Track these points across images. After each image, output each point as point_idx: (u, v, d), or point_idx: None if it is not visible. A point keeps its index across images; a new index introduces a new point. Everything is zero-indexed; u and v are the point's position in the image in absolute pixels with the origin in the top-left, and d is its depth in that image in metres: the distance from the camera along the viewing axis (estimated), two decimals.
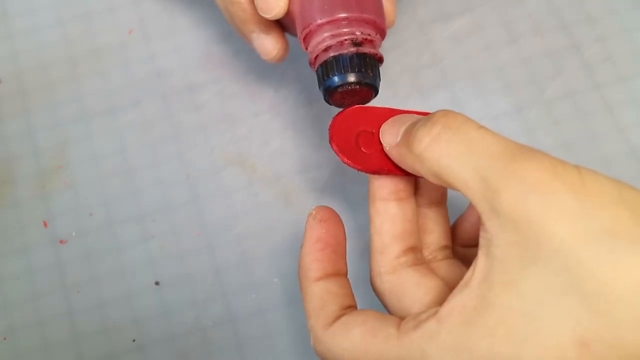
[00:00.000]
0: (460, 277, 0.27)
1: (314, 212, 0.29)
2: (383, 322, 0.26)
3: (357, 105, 0.30)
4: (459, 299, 0.24)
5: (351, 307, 0.28)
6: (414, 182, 0.30)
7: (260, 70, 0.42)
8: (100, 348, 0.36)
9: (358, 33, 0.30)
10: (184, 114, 0.41)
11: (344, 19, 0.30)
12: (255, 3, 0.33)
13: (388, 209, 0.29)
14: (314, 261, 0.28)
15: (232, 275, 0.37)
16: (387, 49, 0.42)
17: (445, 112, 0.26)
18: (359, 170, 0.28)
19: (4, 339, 0.36)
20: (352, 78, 0.30)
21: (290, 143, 0.40)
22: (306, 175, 0.39)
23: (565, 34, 0.42)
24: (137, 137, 0.41)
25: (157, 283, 0.37)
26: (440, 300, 0.27)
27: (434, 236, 0.30)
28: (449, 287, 0.27)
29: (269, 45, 0.35)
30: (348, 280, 0.29)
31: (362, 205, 0.39)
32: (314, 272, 0.28)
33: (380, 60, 0.31)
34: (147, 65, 0.42)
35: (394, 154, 0.28)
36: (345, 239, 0.29)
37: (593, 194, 0.22)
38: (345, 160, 0.28)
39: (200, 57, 0.42)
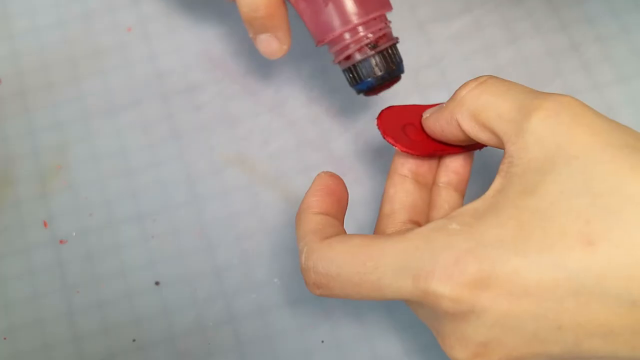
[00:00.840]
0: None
1: (323, 172, 0.30)
2: (375, 236, 0.27)
3: (395, 105, 0.32)
4: (471, 205, 0.25)
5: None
6: (435, 171, 0.31)
7: (260, 70, 0.42)
8: (100, 348, 0.36)
9: (371, 35, 0.32)
10: (184, 114, 0.41)
11: (354, 26, 0.32)
12: (259, 48, 0.34)
13: (405, 183, 0.30)
14: (318, 200, 0.29)
15: (232, 275, 0.37)
16: None
17: (490, 75, 0.28)
18: (416, 155, 0.30)
19: (4, 338, 0.36)
20: (378, 79, 0.33)
21: (290, 143, 0.40)
22: (306, 175, 0.39)
23: (565, 34, 0.42)
24: (137, 137, 0.41)
25: (157, 283, 0.37)
26: None
27: (441, 213, 0.31)
28: None
29: (275, 45, 0.35)
30: (342, 225, 0.29)
31: (362, 205, 0.39)
32: (316, 207, 0.28)
33: (396, 42, 0.33)
34: (147, 65, 0.42)
35: (432, 116, 0.30)
36: (347, 206, 0.30)
37: (618, 124, 0.24)
38: (403, 149, 0.30)
39: (200, 57, 0.42)
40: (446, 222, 0.25)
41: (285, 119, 0.41)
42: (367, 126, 0.40)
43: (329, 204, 0.29)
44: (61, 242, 0.38)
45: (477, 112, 0.27)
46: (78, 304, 0.37)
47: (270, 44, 0.35)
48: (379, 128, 0.30)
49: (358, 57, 0.32)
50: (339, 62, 0.33)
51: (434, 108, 0.31)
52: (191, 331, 0.36)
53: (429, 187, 0.31)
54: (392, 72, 0.33)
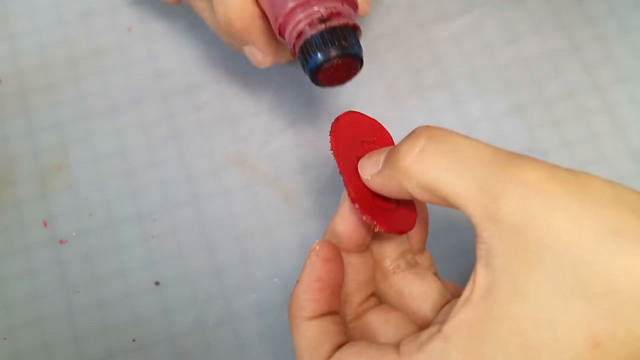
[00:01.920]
0: (427, 289, 0.28)
1: (317, 248, 0.27)
2: (379, 350, 0.25)
3: (340, 124, 0.30)
4: (463, 315, 0.23)
5: (344, 344, 0.27)
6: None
7: (260, 70, 0.42)
8: (100, 348, 0.36)
9: (322, 10, 0.30)
10: (184, 114, 0.41)
11: (304, 2, 0.31)
12: (249, 58, 0.34)
13: (352, 261, 0.29)
14: (311, 300, 0.27)
15: (232, 275, 0.37)
16: (387, 48, 0.42)
17: (427, 127, 0.25)
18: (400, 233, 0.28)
19: (4, 338, 0.36)
20: (329, 54, 0.30)
21: (290, 143, 0.40)
22: (306, 175, 0.39)
23: (565, 34, 0.42)
24: (137, 137, 0.41)
25: (157, 283, 0.37)
26: (412, 331, 0.27)
27: (393, 242, 0.30)
28: (421, 307, 0.28)
29: (259, 57, 0.35)
30: (339, 317, 0.28)
31: None
32: (309, 311, 0.27)
33: (354, 28, 0.31)
34: (147, 65, 0.42)
35: (377, 181, 0.27)
36: (343, 278, 0.28)
37: (592, 194, 0.22)
38: (391, 230, 0.28)
39: (200, 57, 0.42)
40: (444, 347, 0.23)
41: (285, 119, 0.41)
42: None
43: (322, 300, 0.27)
44: (61, 242, 0.38)
45: (431, 188, 0.24)
46: (78, 304, 0.37)
47: (255, 56, 0.35)
48: (352, 201, 0.28)
49: (308, 31, 0.30)
50: (294, 48, 0.31)
51: (371, 166, 0.28)
52: (191, 331, 0.36)
53: (368, 248, 0.30)
54: (344, 49, 0.30)
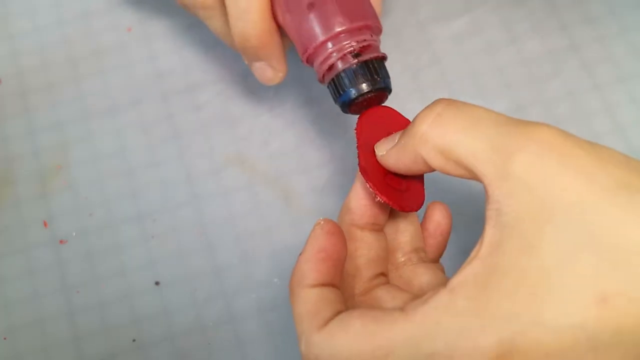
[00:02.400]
0: (437, 281, 0.28)
1: (322, 222, 0.28)
2: (383, 310, 0.25)
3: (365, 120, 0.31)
4: (470, 270, 0.23)
5: (343, 311, 0.27)
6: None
7: None
8: (100, 348, 0.36)
9: (354, 43, 0.31)
10: (184, 114, 0.41)
11: (337, 34, 0.31)
12: (255, 74, 0.34)
13: (364, 236, 0.29)
14: (313, 269, 0.27)
15: (232, 275, 0.37)
16: (387, 48, 0.42)
17: (444, 99, 0.26)
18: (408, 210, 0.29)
19: (4, 338, 0.36)
20: (361, 89, 0.31)
21: (290, 143, 0.40)
22: (306, 175, 0.39)
23: (565, 34, 0.42)
24: (137, 137, 0.41)
25: (157, 283, 0.37)
26: None
27: (407, 235, 0.30)
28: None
29: (269, 74, 0.35)
30: (340, 291, 0.28)
31: None
32: (310, 279, 0.27)
33: (383, 59, 0.32)
34: (147, 65, 0.42)
35: (392, 155, 0.28)
36: (346, 258, 0.28)
37: (605, 155, 0.23)
38: (404, 207, 0.28)
39: (200, 57, 0.42)
40: (450, 297, 0.23)
41: (285, 119, 0.41)
42: None
43: (324, 271, 0.27)
44: (61, 242, 0.38)
45: (446, 151, 0.25)
46: (78, 304, 0.37)
47: (265, 72, 0.34)
48: (369, 184, 0.28)
49: (340, 66, 0.31)
50: (323, 77, 0.32)
51: (387, 142, 0.28)
52: (191, 331, 0.36)
53: (382, 230, 0.30)
54: (376, 83, 0.31)
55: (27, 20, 0.44)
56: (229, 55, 0.42)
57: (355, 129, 0.30)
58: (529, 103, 0.40)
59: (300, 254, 0.27)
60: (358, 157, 0.29)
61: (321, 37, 0.31)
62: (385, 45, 0.42)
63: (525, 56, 0.42)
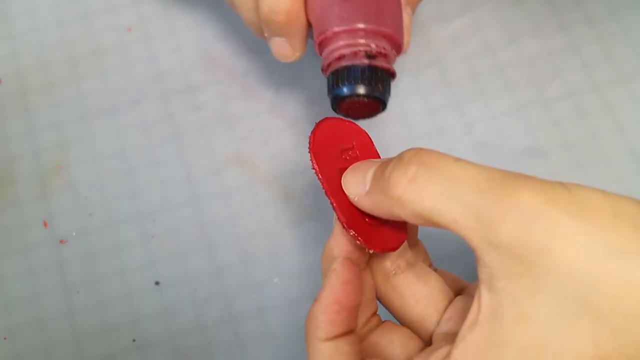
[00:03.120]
0: (429, 290, 0.28)
1: (338, 268, 0.27)
2: None
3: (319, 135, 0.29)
4: (470, 340, 0.23)
5: None
6: None
7: (260, 70, 0.42)
8: (100, 348, 0.36)
9: (373, 45, 0.30)
10: (184, 114, 0.41)
11: (361, 29, 0.30)
12: (272, 49, 0.33)
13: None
14: (328, 322, 0.26)
15: (232, 275, 0.37)
16: None
17: (417, 151, 0.25)
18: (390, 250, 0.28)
19: (4, 338, 0.36)
20: (361, 90, 0.30)
21: (290, 143, 0.40)
22: (306, 175, 0.39)
23: (565, 34, 0.42)
24: (137, 137, 0.41)
25: (157, 283, 0.37)
26: (416, 347, 0.27)
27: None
28: (425, 309, 0.28)
29: (287, 51, 0.34)
30: (356, 335, 0.28)
31: None
32: (325, 333, 0.26)
33: (392, 75, 0.31)
34: (147, 65, 0.42)
35: (366, 203, 0.27)
36: (362, 298, 0.28)
37: (589, 213, 0.22)
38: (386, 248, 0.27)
39: (200, 57, 0.42)
40: None
41: (285, 119, 0.41)
42: (366, 126, 0.40)
43: (339, 323, 0.26)
44: (61, 242, 0.38)
45: (425, 216, 0.24)
46: (78, 304, 0.37)
47: (283, 49, 0.33)
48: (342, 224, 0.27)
49: (350, 59, 0.30)
50: (328, 66, 0.31)
51: (356, 185, 0.27)
52: (191, 331, 0.36)
53: (366, 266, 0.29)
54: (376, 91, 0.30)
55: (27, 20, 0.44)
56: (229, 55, 0.42)
57: (313, 169, 0.28)
58: (529, 103, 0.40)
59: (315, 300, 0.27)
60: (332, 206, 0.27)
61: (344, 26, 0.30)
62: None
63: (525, 56, 0.41)
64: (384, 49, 0.30)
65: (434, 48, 0.42)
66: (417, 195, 0.24)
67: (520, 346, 0.22)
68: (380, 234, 0.27)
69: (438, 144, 0.40)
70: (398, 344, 0.28)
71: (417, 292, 0.29)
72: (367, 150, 0.30)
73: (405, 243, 0.30)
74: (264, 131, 0.41)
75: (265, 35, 0.34)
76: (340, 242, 0.28)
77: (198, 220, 0.39)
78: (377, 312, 0.30)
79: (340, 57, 0.30)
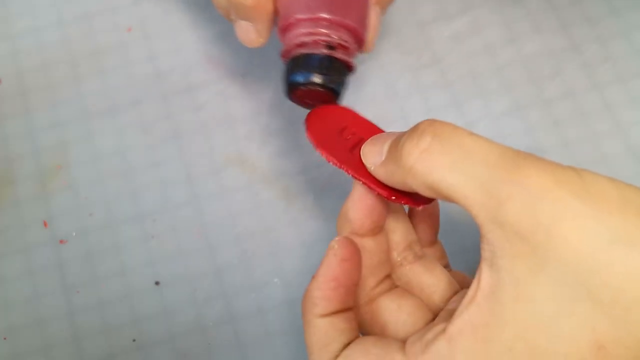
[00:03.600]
0: (435, 280, 0.28)
1: (336, 246, 0.27)
2: (386, 348, 0.25)
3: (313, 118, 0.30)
4: (467, 317, 0.23)
5: (353, 340, 0.27)
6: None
7: (260, 70, 0.42)
8: (100, 348, 0.36)
9: (334, 37, 0.30)
10: (184, 114, 0.41)
11: (324, 19, 0.30)
12: (237, 32, 0.33)
13: (366, 244, 0.28)
14: (324, 298, 0.26)
15: (232, 275, 0.37)
16: (387, 49, 0.42)
17: (432, 122, 0.25)
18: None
19: (4, 338, 0.36)
20: (316, 79, 0.30)
21: (290, 143, 0.40)
22: (306, 175, 0.40)
23: (565, 34, 0.42)
24: (137, 137, 0.41)
25: (157, 283, 0.37)
26: (425, 318, 0.27)
27: (398, 234, 0.30)
28: (430, 297, 0.28)
29: (252, 35, 0.33)
30: (354, 312, 0.28)
31: None
32: (321, 309, 0.26)
33: (349, 68, 0.31)
34: (147, 65, 0.42)
35: (381, 173, 0.27)
36: (360, 277, 0.28)
37: (597, 198, 0.22)
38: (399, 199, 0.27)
39: (200, 57, 0.42)
40: (449, 348, 0.23)
41: (285, 119, 0.41)
42: None
43: (336, 300, 0.26)
44: (61, 242, 0.38)
45: (435, 187, 0.24)
46: (78, 304, 0.37)
47: (249, 33, 0.33)
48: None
49: (310, 47, 0.30)
50: (288, 53, 0.31)
51: (374, 154, 0.27)
52: (191, 331, 0.36)
53: (382, 230, 0.29)
54: (331, 82, 0.30)
55: (27, 20, 0.44)
56: (229, 55, 0.42)
57: (318, 150, 0.28)
58: (529, 103, 0.40)
59: (312, 278, 0.27)
60: (352, 176, 0.28)
61: (308, 14, 0.30)
62: (385, 45, 0.42)
63: (525, 56, 0.42)
64: (346, 41, 0.30)
65: (434, 48, 0.42)
66: (428, 166, 0.24)
67: (518, 326, 0.22)
68: (402, 199, 0.27)
69: None
70: (405, 312, 0.28)
71: (423, 281, 0.29)
72: (361, 125, 0.30)
73: (416, 237, 0.30)
74: (264, 131, 0.41)
75: (232, 18, 0.34)
76: (357, 204, 0.28)
77: (198, 220, 0.39)
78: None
79: (301, 45, 0.30)
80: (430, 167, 0.24)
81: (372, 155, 0.27)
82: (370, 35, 0.33)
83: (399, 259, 0.29)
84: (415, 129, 0.25)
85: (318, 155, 0.40)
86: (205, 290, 0.37)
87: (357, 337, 0.27)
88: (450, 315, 0.24)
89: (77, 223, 0.39)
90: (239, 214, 0.39)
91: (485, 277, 0.23)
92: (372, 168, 0.27)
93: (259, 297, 0.37)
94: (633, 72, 0.41)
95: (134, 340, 0.36)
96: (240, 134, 0.41)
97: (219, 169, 0.40)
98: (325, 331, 0.26)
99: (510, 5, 0.43)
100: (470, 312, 0.23)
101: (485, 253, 0.23)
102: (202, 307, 0.37)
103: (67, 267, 0.38)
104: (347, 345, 0.26)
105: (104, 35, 0.43)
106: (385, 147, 0.27)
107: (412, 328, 0.27)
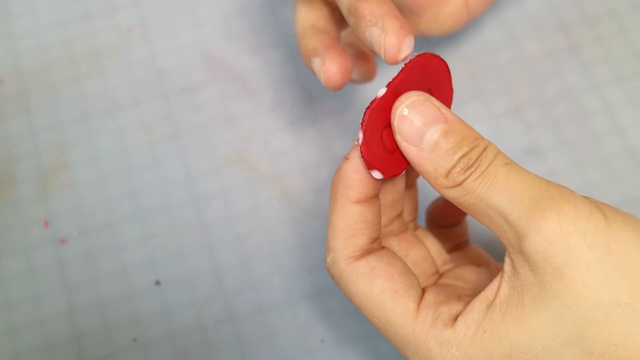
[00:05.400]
0: (424, 251, 0.29)
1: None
2: (407, 287, 0.26)
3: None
4: (476, 316, 0.24)
5: (377, 240, 0.27)
6: None
7: (260, 70, 0.42)
8: (101, 347, 0.36)
9: None
10: (184, 114, 0.41)
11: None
12: (317, 74, 0.32)
13: (363, 211, 0.27)
14: (360, 181, 0.26)
15: (232, 275, 0.38)
16: None
17: (478, 148, 0.24)
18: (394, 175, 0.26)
19: (5, 338, 0.37)
20: None
21: (290, 143, 0.40)
22: (306, 175, 0.40)
23: (565, 34, 0.42)
24: (137, 137, 0.41)
25: (157, 282, 0.38)
26: (427, 268, 0.29)
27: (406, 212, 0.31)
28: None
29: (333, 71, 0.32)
30: (379, 203, 0.27)
31: None
32: (357, 193, 0.26)
33: None
34: (147, 65, 0.42)
35: (413, 158, 0.25)
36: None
37: (617, 255, 0.22)
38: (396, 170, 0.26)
39: (200, 57, 0.43)
40: (448, 336, 0.24)
41: (285, 119, 0.41)
42: None
43: (372, 184, 0.26)
44: (62, 241, 0.38)
45: (463, 206, 0.25)
46: (78, 303, 0.37)
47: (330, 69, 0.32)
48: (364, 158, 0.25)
49: None
50: None
51: (414, 133, 0.25)
52: (191, 331, 0.36)
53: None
54: None
55: (27, 20, 0.44)
56: (229, 55, 0.42)
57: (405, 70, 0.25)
58: (528, 103, 0.40)
59: (345, 159, 0.26)
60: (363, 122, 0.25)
61: None
62: None
63: (525, 56, 0.42)
64: None
65: (434, 48, 0.42)
66: (461, 191, 0.24)
67: (510, 347, 0.23)
68: (391, 158, 0.26)
69: None
70: (411, 261, 0.28)
71: (409, 254, 0.29)
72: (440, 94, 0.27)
73: (400, 209, 0.30)
74: (264, 131, 0.41)
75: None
76: (355, 169, 0.26)
77: (198, 220, 0.39)
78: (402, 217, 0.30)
79: None
80: (463, 193, 0.24)
81: (409, 133, 0.25)
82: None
83: (387, 228, 0.30)
84: (459, 149, 0.24)
85: (318, 155, 0.40)
86: (205, 290, 0.37)
87: (379, 234, 0.27)
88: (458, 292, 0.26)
89: (78, 223, 0.39)
90: (239, 214, 0.39)
91: (503, 289, 0.24)
92: (405, 146, 0.25)
93: (259, 297, 0.37)
94: (632, 72, 0.41)
95: (134, 340, 0.36)
96: (240, 134, 0.41)
97: (219, 169, 0.40)
98: (354, 221, 0.26)
99: (510, 5, 0.43)
100: (479, 314, 0.24)
101: (507, 267, 0.24)
102: (202, 306, 0.37)
103: (68, 266, 0.38)
104: (372, 241, 0.26)
105: (104, 35, 0.43)
106: (427, 137, 0.24)
107: (418, 275, 0.28)
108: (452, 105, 0.41)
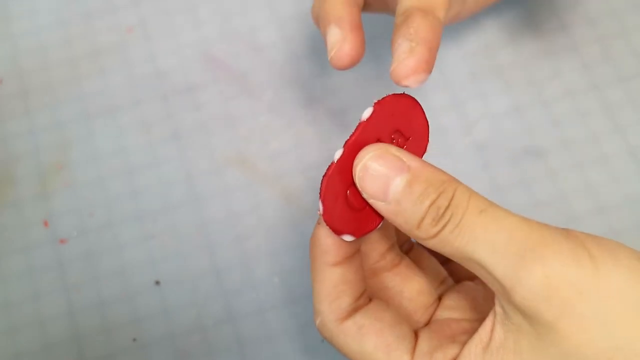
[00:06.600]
0: (418, 285, 0.28)
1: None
2: (399, 340, 0.25)
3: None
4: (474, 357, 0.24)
5: (364, 294, 0.27)
6: None
7: (261, 70, 0.42)
8: (100, 347, 0.36)
9: None
10: (184, 114, 0.41)
11: None
12: (329, 43, 0.30)
13: (344, 274, 0.27)
14: (335, 245, 0.25)
15: (232, 275, 0.38)
16: (386, 49, 0.42)
17: (448, 195, 0.23)
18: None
19: (5, 338, 0.36)
20: None
21: (290, 143, 0.40)
22: (306, 175, 0.40)
23: (565, 34, 0.42)
24: (137, 137, 0.41)
25: (157, 282, 0.37)
26: (424, 301, 0.28)
27: (376, 241, 0.29)
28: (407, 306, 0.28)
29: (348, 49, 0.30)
30: (361, 257, 0.27)
31: None
32: (333, 256, 0.25)
33: None
34: (147, 65, 0.42)
35: (383, 213, 0.24)
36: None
37: (609, 300, 0.22)
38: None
39: (200, 57, 0.42)
40: None
41: (285, 119, 0.41)
42: None
43: (347, 245, 0.26)
44: (61, 241, 0.38)
45: (445, 253, 0.24)
46: (78, 303, 0.37)
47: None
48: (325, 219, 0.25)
49: None
50: None
51: (379, 186, 0.24)
52: (191, 331, 0.36)
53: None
54: None
55: (27, 20, 0.44)
56: (229, 55, 0.42)
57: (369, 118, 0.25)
58: (528, 103, 0.40)
59: (318, 223, 0.26)
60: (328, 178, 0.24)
61: None
62: (385, 46, 0.42)
63: (525, 56, 0.42)
64: None
65: None
66: (441, 240, 0.23)
67: None
68: (359, 217, 0.25)
69: (438, 144, 0.40)
70: (407, 297, 0.28)
71: (405, 289, 0.28)
72: (414, 138, 0.27)
73: (394, 239, 0.29)
74: (264, 131, 0.41)
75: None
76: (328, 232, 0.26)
77: (198, 220, 0.39)
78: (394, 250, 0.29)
79: None
80: (443, 242, 0.23)
81: (373, 188, 0.24)
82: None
83: (377, 266, 0.29)
84: (426, 198, 0.23)
85: (318, 155, 0.40)
86: (205, 290, 0.37)
87: (365, 289, 0.26)
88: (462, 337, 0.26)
89: (78, 223, 0.39)
90: (239, 214, 0.39)
91: (497, 333, 0.24)
92: (373, 202, 0.24)
93: (259, 297, 0.37)
94: (633, 72, 0.41)
95: (134, 340, 0.36)
96: (240, 134, 0.41)
97: (219, 169, 0.40)
98: (335, 284, 0.26)
99: (510, 5, 0.43)
100: (478, 358, 0.24)
101: (499, 309, 0.24)
102: (202, 306, 0.37)
103: (68, 266, 0.38)
104: (357, 299, 0.26)
105: (104, 35, 0.43)
106: (391, 189, 0.24)
107: (414, 310, 0.28)
108: (452, 105, 0.41)
